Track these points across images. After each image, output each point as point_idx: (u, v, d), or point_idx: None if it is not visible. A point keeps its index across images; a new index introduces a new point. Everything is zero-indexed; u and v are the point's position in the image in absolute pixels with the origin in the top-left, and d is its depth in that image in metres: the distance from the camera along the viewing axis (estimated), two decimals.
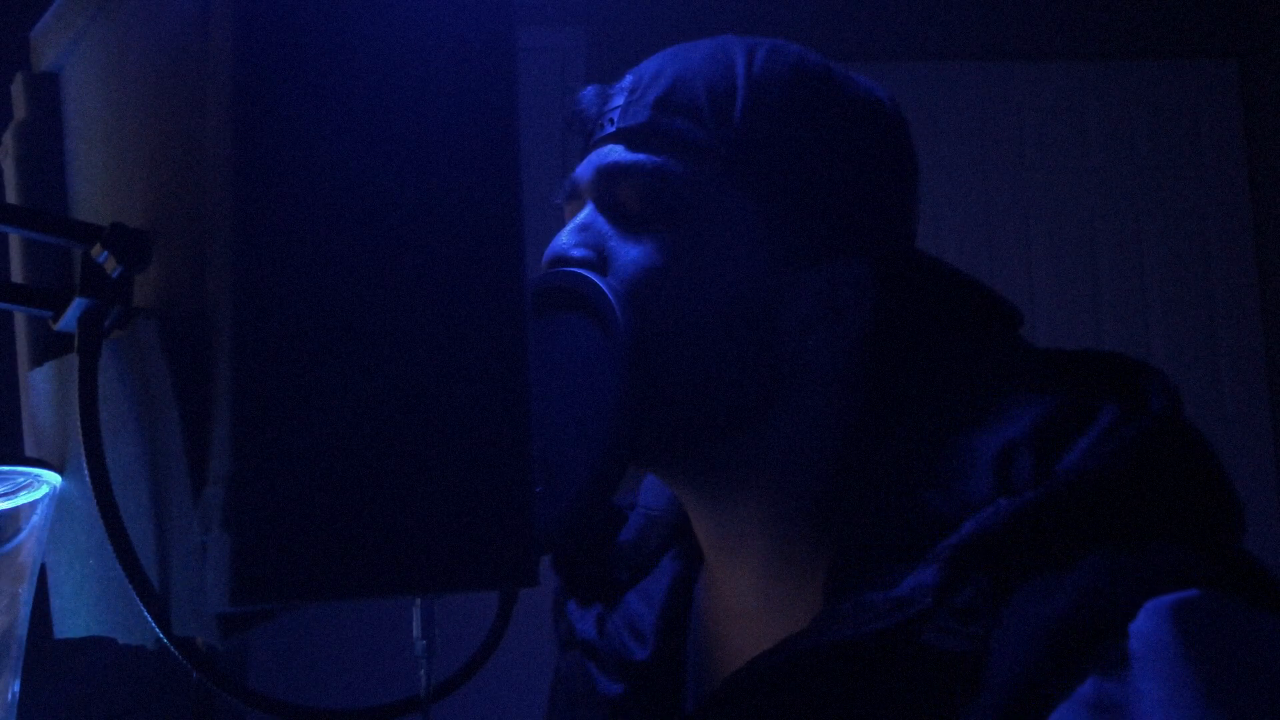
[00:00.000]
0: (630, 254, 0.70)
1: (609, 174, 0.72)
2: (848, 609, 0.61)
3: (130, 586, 0.43)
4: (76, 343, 0.45)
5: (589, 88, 0.77)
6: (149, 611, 0.43)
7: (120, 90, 0.51)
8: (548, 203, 0.80)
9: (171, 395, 0.42)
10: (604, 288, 0.68)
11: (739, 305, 0.70)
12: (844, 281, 0.71)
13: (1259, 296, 3.25)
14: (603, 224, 0.72)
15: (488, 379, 0.43)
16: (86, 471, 0.43)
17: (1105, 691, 0.54)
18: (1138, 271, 3.28)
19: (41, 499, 0.53)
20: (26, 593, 0.54)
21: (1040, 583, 0.58)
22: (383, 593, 0.41)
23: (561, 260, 0.72)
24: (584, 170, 0.74)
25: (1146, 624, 0.55)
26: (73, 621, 0.54)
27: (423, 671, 0.47)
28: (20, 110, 0.58)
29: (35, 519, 0.53)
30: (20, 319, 0.57)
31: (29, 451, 0.56)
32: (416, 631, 0.47)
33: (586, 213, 0.74)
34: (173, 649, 0.43)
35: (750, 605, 0.74)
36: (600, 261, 0.71)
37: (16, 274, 0.57)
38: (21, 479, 0.53)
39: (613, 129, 0.73)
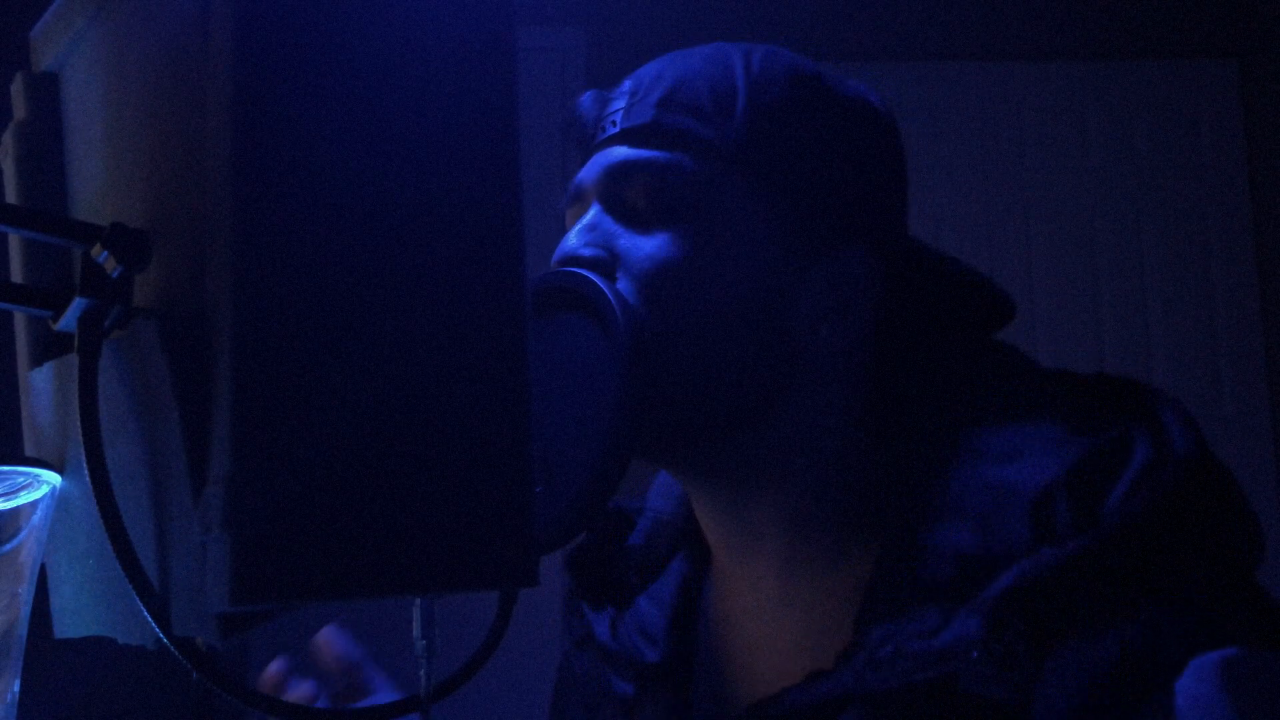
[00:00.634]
0: (644, 249, 0.70)
1: (616, 173, 0.72)
2: (886, 656, 0.61)
3: (130, 586, 0.43)
4: (76, 343, 0.45)
5: (586, 94, 0.77)
6: (149, 611, 0.43)
7: (120, 90, 0.51)
8: (548, 204, 0.80)
9: (171, 395, 0.42)
10: (604, 287, 0.68)
11: (752, 298, 0.70)
12: (852, 273, 0.72)
13: (1259, 296, 3.25)
14: (610, 223, 0.73)
15: (488, 379, 0.43)
16: (86, 471, 0.43)
17: None
18: (1138, 271, 3.28)
19: (41, 499, 0.53)
20: (26, 593, 0.54)
21: (1084, 633, 0.59)
22: (383, 593, 0.41)
23: (572, 260, 0.72)
24: (588, 172, 0.75)
25: (1194, 682, 0.56)
26: (73, 621, 0.54)
27: (423, 671, 0.47)
28: (20, 110, 0.58)
29: (35, 519, 0.53)
30: (20, 319, 0.57)
31: (29, 451, 0.56)
32: (416, 631, 0.47)
33: (593, 214, 0.74)
34: (173, 649, 0.43)
35: (768, 599, 0.74)
36: (611, 260, 0.71)
37: (16, 274, 0.57)
38: (21, 479, 0.53)
39: (616, 130, 0.73)
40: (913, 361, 0.74)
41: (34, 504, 0.53)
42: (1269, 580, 0.64)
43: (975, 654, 0.59)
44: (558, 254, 0.73)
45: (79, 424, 0.43)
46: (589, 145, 0.76)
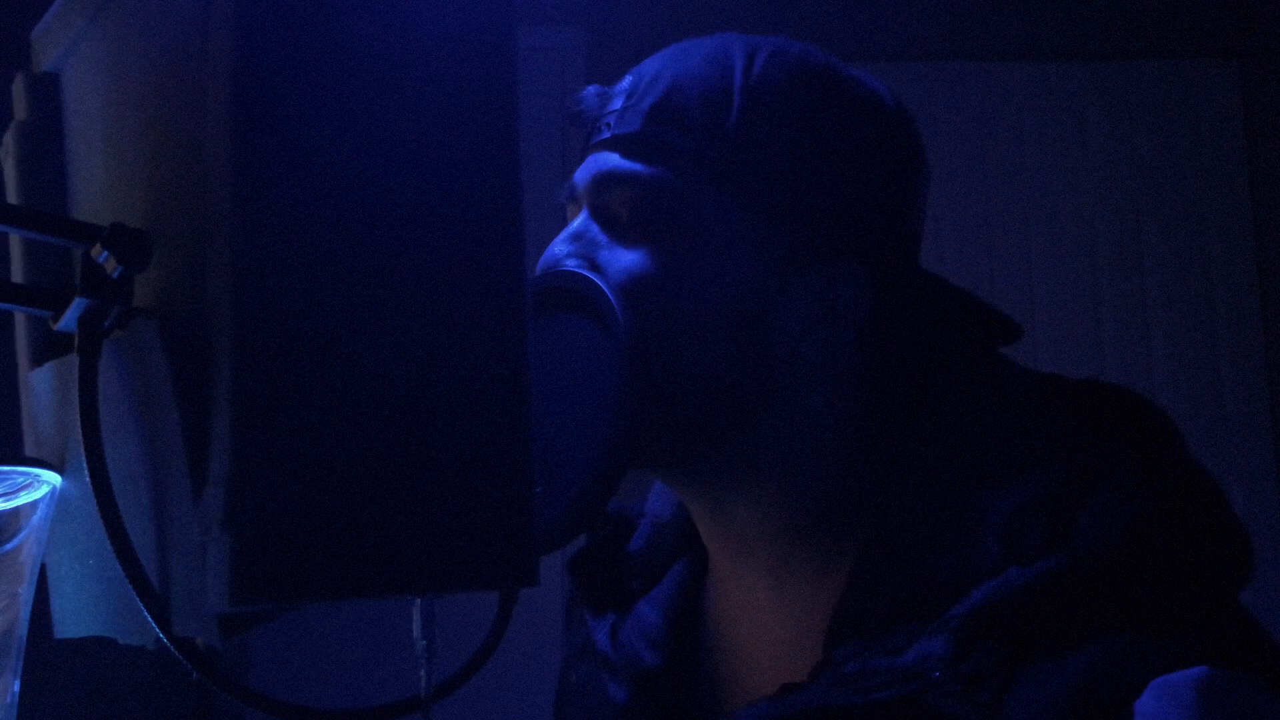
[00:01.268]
0: (621, 261, 0.70)
1: (602, 182, 0.72)
2: (852, 672, 0.61)
3: (130, 586, 0.43)
4: (76, 343, 0.45)
5: (590, 87, 0.76)
6: (149, 611, 0.43)
7: (120, 90, 0.51)
8: (548, 202, 0.80)
9: (171, 395, 0.42)
10: (604, 287, 0.68)
11: (732, 310, 0.70)
12: (841, 283, 0.71)
13: (1259, 296, 3.25)
14: (595, 232, 0.73)
15: (488, 379, 0.43)
16: (86, 471, 0.43)
17: None
18: (1138, 271, 3.28)
19: (41, 499, 0.53)
20: (26, 593, 0.54)
21: (1052, 654, 0.59)
22: (383, 593, 0.41)
23: (555, 269, 0.72)
24: (581, 175, 0.75)
25: (1153, 702, 0.56)
26: (73, 621, 0.54)
27: (423, 671, 0.47)
28: (20, 110, 0.58)
29: (35, 519, 0.53)
30: (20, 319, 0.57)
31: (29, 451, 0.56)
32: (416, 631, 0.47)
33: (580, 220, 0.74)
34: (173, 649, 0.43)
35: (761, 606, 0.74)
36: (592, 271, 0.71)
37: (16, 274, 0.57)
38: (21, 479, 0.53)
39: (608, 134, 0.73)
40: (902, 372, 0.74)
41: (34, 504, 0.53)
42: (1272, 578, 0.63)
43: (938, 673, 0.59)
44: (542, 260, 0.73)
45: (79, 424, 0.43)
46: (587, 142, 0.76)
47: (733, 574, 0.76)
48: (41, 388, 0.55)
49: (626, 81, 0.74)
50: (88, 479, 0.43)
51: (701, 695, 0.78)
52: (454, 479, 0.42)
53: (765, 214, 0.70)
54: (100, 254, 0.45)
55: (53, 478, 0.53)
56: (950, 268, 1.20)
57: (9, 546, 0.53)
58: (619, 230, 0.72)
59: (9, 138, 0.57)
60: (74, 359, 0.44)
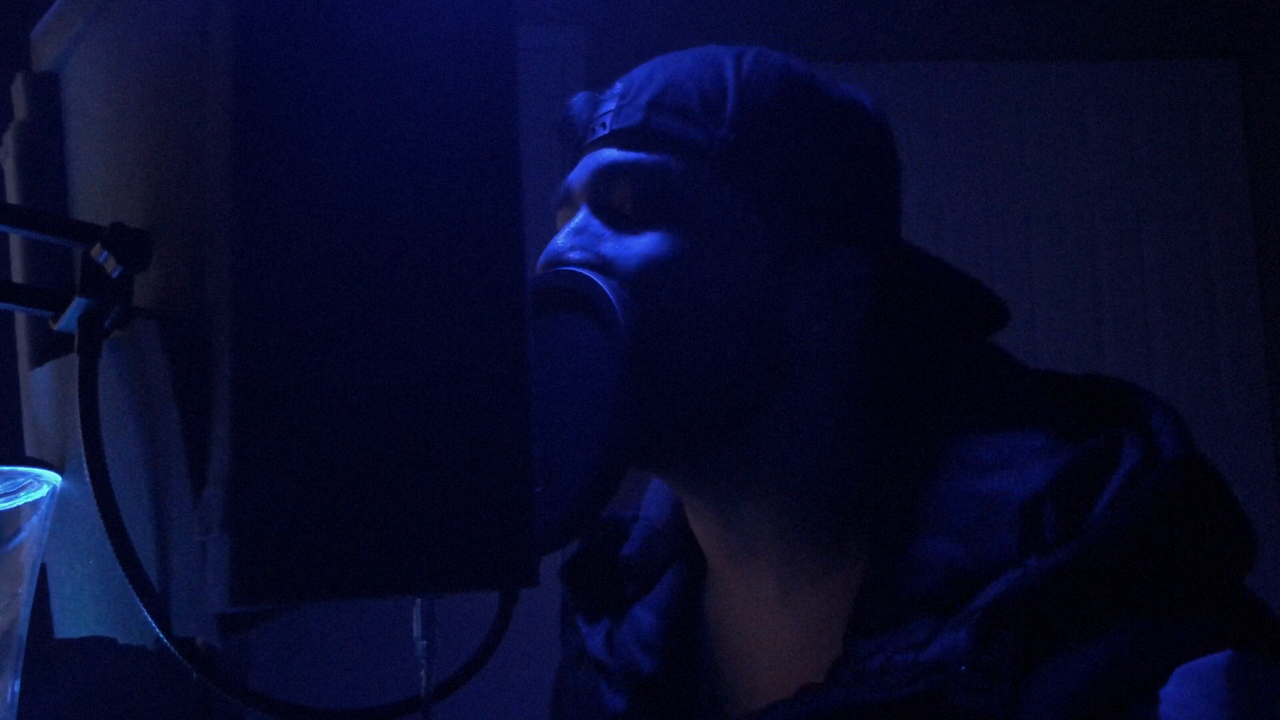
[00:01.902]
0: (632, 250, 0.70)
1: (605, 174, 0.72)
2: (875, 669, 0.61)
3: (130, 586, 0.43)
4: (76, 343, 0.45)
5: (578, 95, 0.77)
6: (149, 611, 0.43)
7: (120, 90, 0.51)
8: (548, 202, 0.80)
9: (171, 395, 0.42)
10: (604, 286, 0.68)
11: (741, 299, 0.70)
12: (844, 273, 0.72)
13: (1259, 296, 3.25)
14: (598, 226, 0.73)
15: (488, 379, 0.43)
16: (86, 471, 0.43)
17: None
18: (1138, 271, 3.28)
19: (41, 499, 0.53)
20: (26, 593, 0.54)
21: (1071, 644, 0.59)
22: (383, 593, 0.41)
23: (558, 262, 0.72)
24: (577, 175, 0.75)
25: (1179, 689, 0.56)
26: (73, 621, 0.54)
27: (423, 671, 0.47)
28: (20, 110, 0.58)
29: (35, 519, 0.53)
30: (20, 319, 0.57)
31: (29, 451, 0.56)
32: (416, 631, 0.47)
33: (581, 216, 0.74)
34: (173, 649, 0.43)
35: (767, 605, 0.74)
36: (598, 263, 0.71)
37: (16, 274, 0.57)
38: (21, 479, 0.53)
39: (605, 132, 0.73)
40: (905, 364, 0.74)
41: (34, 504, 0.53)
42: (1271, 579, 0.64)
43: (963, 666, 0.59)
44: (545, 255, 0.73)
45: (79, 424, 0.43)
46: (580, 147, 0.76)
47: (736, 575, 0.76)
48: (41, 388, 0.55)
49: (617, 87, 0.75)
50: (88, 479, 0.43)
51: (700, 699, 0.77)
52: (454, 479, 0.42)
53: (770, 200, 0.71)
54: (100, 254, 0.45)
55: (53, 478, 0.53)
56: None
57: (9, 546, 0.53)
58: (624, 222, 0.72)
59: (9, 138, 0.57)
60: (74, 359, 0.44)
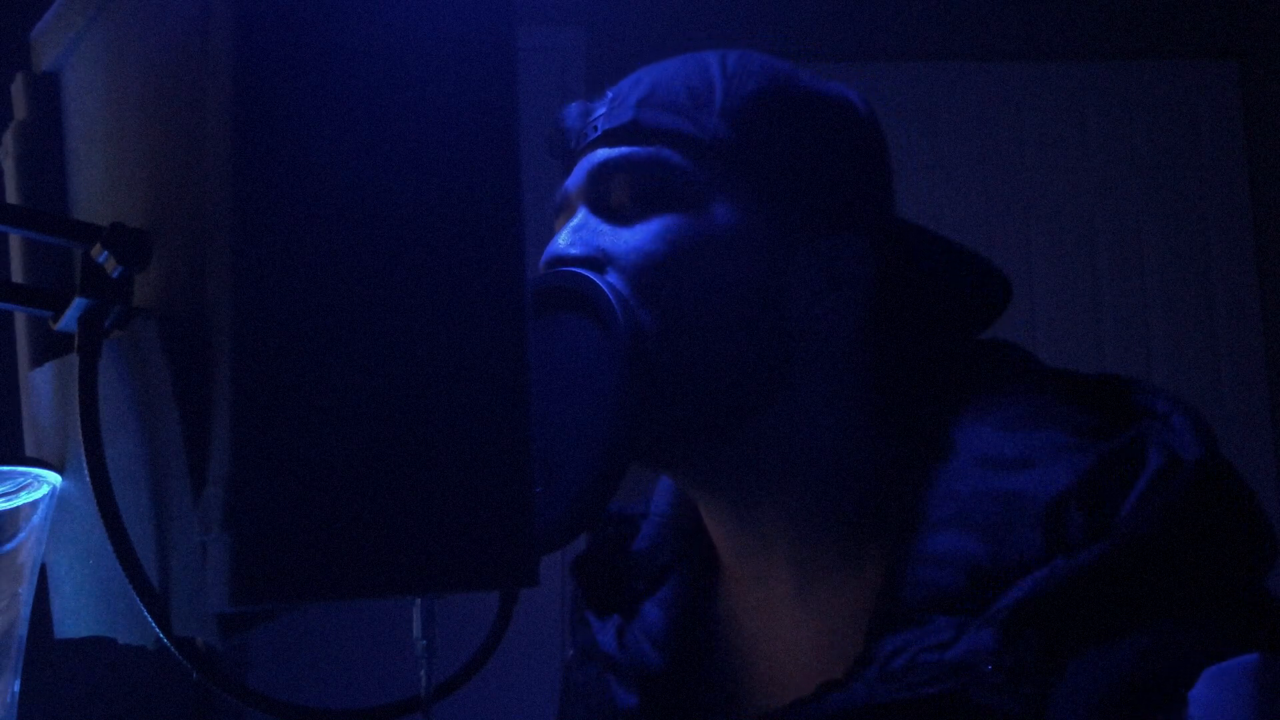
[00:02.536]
0: (631, 243, 0.71)
1: (600, 173, 0.73)
2: (899, 667, 0.61)
3: (130, 586, 0.43)
4: (76, 343, 0.45)
5: (570, 106, 0.78)
6: (149, 611, 0.43)
7: (120, 90, 0.51)
8: (548, 202, 0.80)
9: (171, 395, 0.42)
10: (603, 286, 0.68)
11: (744, 282, 0.71)
12: (845, 254, 0.72)
13: (1259, 296, 3.25)
14: (597, 223, 0.73)
15: (488, 379, 0.43)
16: (86, 471, 0.43)
17: None
18: (1138, 271, 3.28)
19: (41, 499, 0.53)
20: (26, 593, 0.54)
21: (1097, 645, 0.59)
22: (383, 593, 0.41)
23: (560, 260, 0.72)
24: (574, 179, 0.76)
25: (1207, 690, 0.56)
26: (73, 621, 0.54)
27: (423, 671, 0.47)
28: (20, 110, 0.58)
29: (35, 519, 0.53)
30: (20, 319, 0.57)
31: (29, 451, 0.56)
32: (416, 631, 0.47)
33: (580, 216, 0.74)
34: (173, 649, 0.43)
35: (782, 603, 0.74)
36: (600, 258, 0.71)
37: (16, 274, 0.57)
38: (21, 479, 0.53)
39: (597, 134, 0.74)
40: (909, 353, 0.74)
41: (34, 504, 0.53)
42: (1271, 579, 0.64)
43: (989, 666, 0.58)
44: (546, 255, 0.74)
45: (79, 424, 0.43)
46: (574, 153, 0.77)
47: (750, 572, 0.76)
48: (41, 388, 0.55)
49: (608, 93, 0.77)
50: (88, 479, 0.43)
51: (711, 695, 0.77)
52: (454, 479, 0.42)
53: (763, 189, 0.72)
54: (100, 254, 0.45)
55: (53, 478, 0.53)
56: None
57: (9, 546, 0.53)
58: (623, 217, 0.73)
59: (9, 138, 0.57)
60: (74, 359, 0.44)
